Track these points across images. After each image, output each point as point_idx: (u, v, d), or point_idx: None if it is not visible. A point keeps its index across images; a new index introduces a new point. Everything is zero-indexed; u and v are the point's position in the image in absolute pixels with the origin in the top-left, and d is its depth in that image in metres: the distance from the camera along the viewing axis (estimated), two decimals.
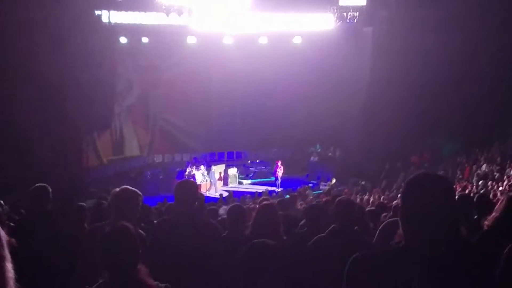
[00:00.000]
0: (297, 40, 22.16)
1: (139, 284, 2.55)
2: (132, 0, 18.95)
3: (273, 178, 21.25)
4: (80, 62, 16.22)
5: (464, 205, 4.35)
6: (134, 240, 2.61)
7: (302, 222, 5.24)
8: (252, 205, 9.65)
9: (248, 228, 4.28)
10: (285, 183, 20.49)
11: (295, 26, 21.43)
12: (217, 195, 17.39)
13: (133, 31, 19.90)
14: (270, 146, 24.76)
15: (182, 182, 4.38)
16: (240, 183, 21.71)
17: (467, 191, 12.12)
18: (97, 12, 18.50)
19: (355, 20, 20.46)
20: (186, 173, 19.96)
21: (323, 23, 21.06)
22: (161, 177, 20.95)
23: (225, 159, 24.24)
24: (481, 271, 1.94)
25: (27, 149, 15.15)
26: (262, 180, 22.17)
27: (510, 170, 15.19)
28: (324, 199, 7.92)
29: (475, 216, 4.54)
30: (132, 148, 23.02)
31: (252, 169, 23.10)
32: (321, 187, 20.29)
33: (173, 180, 17.90)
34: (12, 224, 5.03)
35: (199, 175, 20.22)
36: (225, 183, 21.25)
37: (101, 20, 18.69)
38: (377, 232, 4.76)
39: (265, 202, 4.86)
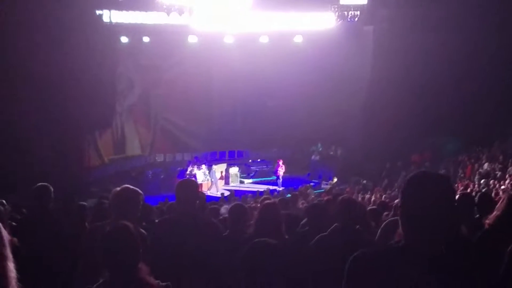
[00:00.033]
0: (298, 39, 22.16)
1: (140, 283, 2.55)
2: (133, 0, 18.96)
3: (274, 177, 21.22)
4: (81, 61, 16.18)
5: (465, 203, 4.33)
6: (134, 239, 2.61)
7: (304, 221, 5.23)
8: (254, 204, 9.67)
9: (250, 227, 4.28)
10: (287, 182, 20.43)
11: (296, 25, 21.43)
12: (218, 194, 17.39)
13: (134, 30, 19.90)
14: (271, 145, 24.75)
15: (183, 181, 4.38)
16: (241, 182, 21.70)
17: (469, 190, 12.10)
18: (98, 12, 18.50)
19: (356, 19, 20.49)
20: (187, 172, 19.93)
21: (324, 22, 21.07)
22: (162, 176, 20.93)
23: (226, 158, 24.22)
24: (481, 270, 1.93)
25: (28, 149, 15.13)
26: (263, 179, 22.13)
27: None
28: (325, 198, 7.91)
29: (477, 215, 4.53)
30: (133, 148, 23.05)
31: (253, 168, 23.05)
32: (322, 186, 20.29)
33: (174, 179, 17.91)
34: (14, 223, 5.03)
35: (200, 174, 20.20)
36: (226, 182, 21.26)
37: (102, 20, 18.69)
38: (379, 231, 4.76)
39: (267, 201, 4.86)
